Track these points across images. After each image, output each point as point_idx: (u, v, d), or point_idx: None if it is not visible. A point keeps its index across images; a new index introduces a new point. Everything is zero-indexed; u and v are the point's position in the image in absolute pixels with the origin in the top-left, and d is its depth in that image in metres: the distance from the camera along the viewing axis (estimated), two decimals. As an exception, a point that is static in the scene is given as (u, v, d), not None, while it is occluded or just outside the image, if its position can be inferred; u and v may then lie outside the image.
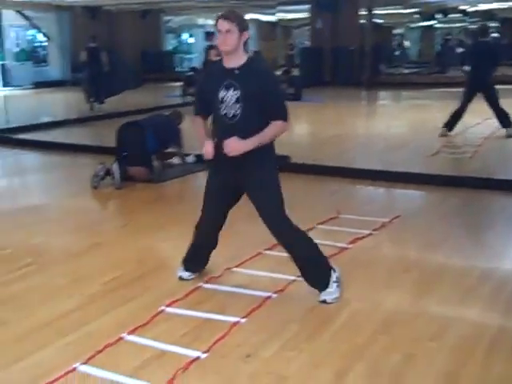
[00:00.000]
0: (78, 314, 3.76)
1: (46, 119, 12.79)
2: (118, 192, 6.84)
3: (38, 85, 20.78)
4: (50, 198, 6.94)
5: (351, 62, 20.05)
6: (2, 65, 21.04)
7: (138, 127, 7.42)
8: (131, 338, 3.44)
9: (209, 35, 12.58)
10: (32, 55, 23.50)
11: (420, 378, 3.04)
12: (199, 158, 8.13)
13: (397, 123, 12.28)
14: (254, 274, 4.34)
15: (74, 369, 3.11)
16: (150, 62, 23.48)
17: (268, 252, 4.76)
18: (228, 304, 3.88)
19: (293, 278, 4.20)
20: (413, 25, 30.50)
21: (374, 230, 5.28)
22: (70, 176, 7.99)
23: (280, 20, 28.67)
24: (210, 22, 26.51)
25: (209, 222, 4.08)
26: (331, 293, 3.88)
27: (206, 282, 4.19)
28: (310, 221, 5.44)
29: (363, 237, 5.10)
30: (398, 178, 7.11)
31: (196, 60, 26.63)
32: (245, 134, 3.62)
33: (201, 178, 7.81)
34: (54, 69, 22.59)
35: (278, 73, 16.59)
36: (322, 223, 5.47)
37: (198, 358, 3.21)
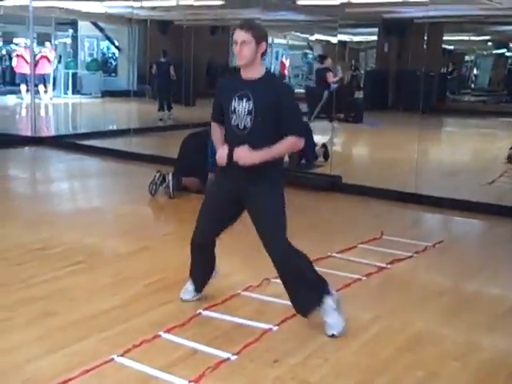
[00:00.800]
0: (120, 311, 3.97)
1: (110, 127, 13.27)
2: (171, 201, 7.08)
3: (106, 94, 21.45)
4: (107, 202, 7.25)
5: (416, 86, 19.94)
6: (74, 74, 21.80)
7: (201, 138, 7.64)
8: (167, 336, 3.63)
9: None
10: (103, 66, 24.28)
11: (439, 396, 3.12)
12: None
13: (456, 150, 12.26)
14: (291, 286, 4.47)
15: (112, 359, 3.31)
16: (216, 76, 23.95)
17: (307, 266, 4.89)
18: (262, 312, 4.03)
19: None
20: (484, 52, 30.16)
21: (416, 252, 5.35)
22: (129, 183, 8.29)
23: (347, 42, 28.78)
24: (277, 41, 26.89)
25: (201, 233, 3.90)
26: (336, 324, 3.70)
27: (244, 290, 4.35)
28: (353, 240, 5.57)
29: (403, 258, 5.18)
30: (446, 204, 7.13)
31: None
32: (255, 147, 3.54)
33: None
34: (122, 79, 23.26)
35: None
36: (364, 243, 5.57)
37: (227, 359, 3.36)
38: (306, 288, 3.70)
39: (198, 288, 4.16)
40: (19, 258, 4.87)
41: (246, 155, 3.54)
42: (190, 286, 4.16)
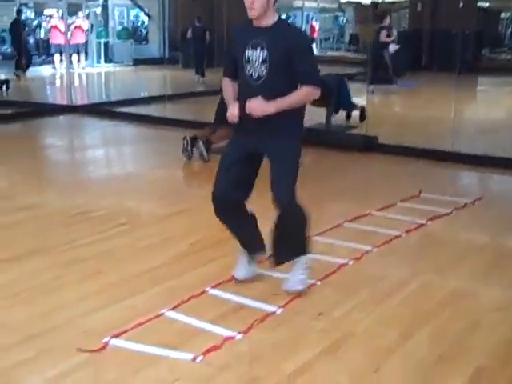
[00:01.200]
0: (166, 269, 4.09)
1: (144, 94, 13.38)
2: (206, 164, 7.15)
3: (138, 62, 21.52)
4: (143, 167, 7.37)
5: (451, 46, 19.61)
6: (106, 43, 21.90)
7: None
8: (214, 291, 3.74)
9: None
10: (133, 34, 24.32)
11: (482, 344, 3.18)
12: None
13: (493, 109, 12.11)
14: (333, 243, 4.55)
15: (162, 314, 3.43)
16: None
17: (349, 224, 4.96)
18: (306, 268, 4.10)
19: (370, 248, 4.40)
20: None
21: (455, 209, 5.37)
22: (164, 148, 8.37)
23: (378, 3, 28.33)
24: (308, 4, 26.59)
25: (221, 190, 3.65)
26: (303, 281, 3.70)
27: (287, 248, 4.42)
28: (392, 198, 5.61)
29: (443, 215, 5.21)
30: (484, 162, 7.09)
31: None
32: (269, 98, 3.40)
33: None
34: (153, 47, 23.29)
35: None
36: (403, 201, 5.60)
37: (273, 313, 3.46)
38: (292, 242, 3.69)
39: (252, 250, 3.90)
40: (64, 222, 5.02)
41: (259, 106, 3.41)
42: (240, 261, 3.91)
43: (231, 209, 3.73)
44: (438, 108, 11.70)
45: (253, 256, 3.89)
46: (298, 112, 3.57)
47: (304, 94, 3.49)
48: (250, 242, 3.88)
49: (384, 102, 13.69)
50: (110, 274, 3.97)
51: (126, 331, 3.22)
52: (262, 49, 3.43)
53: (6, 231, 4.79)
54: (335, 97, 8.92)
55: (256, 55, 3.44)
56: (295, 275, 3.70)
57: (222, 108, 7.75)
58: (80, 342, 3.10)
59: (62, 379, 2.81)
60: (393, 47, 13.39)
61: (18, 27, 16.21)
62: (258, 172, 3.72)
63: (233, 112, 3.55)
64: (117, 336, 3.17)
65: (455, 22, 19.45)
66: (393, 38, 13.45)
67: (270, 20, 3.48)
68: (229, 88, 3.68)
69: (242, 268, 3.87)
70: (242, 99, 3.53)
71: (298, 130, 3.65)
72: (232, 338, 3.18)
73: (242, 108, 3.49)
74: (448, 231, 4.96)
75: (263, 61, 3.43)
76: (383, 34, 12.86)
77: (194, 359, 2.98)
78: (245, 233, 3.88)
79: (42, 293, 3.67)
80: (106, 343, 3.10)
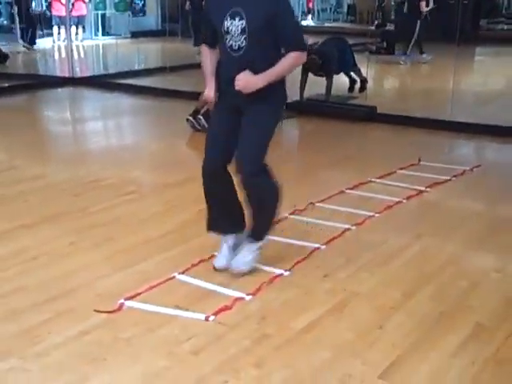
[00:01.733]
0: (175, 235, 4.22)
1: (145, 66, 13.40)
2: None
3: (135, 34, 21.43)
4: (148, 138, 7.47)
5: (449, 15, 19.58)
6: (103, 15, 21.78)
7: None
8: (223, 255, 3.87)
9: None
10: (131, 5, 24.17)
11: (481, 302, 3.33)
12: (288, 105, 8.46)
13: (491, 79, 12.21)
14: (335, 209, 4.68)
15: (174, 277, 3.57)
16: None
17: (350, 191, 5.10)
18: (310, 233, 4.24)
19: (371, 213, 4.54)
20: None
21: (454, 176, 5.50)
22: (168, 118, 8.46)
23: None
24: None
25: (212, 160, 3.55)
26: (248, 263, 3.61)
27: (291, 214, 4.56)
28: (392, 166, 5.73)
29: (442, 182, 5.34)
30: (482, 131, 7.21)
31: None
32: (252, 69, 3.27)
33: (290, 124, 8.17)
34: (151, 19, 23.19)
35: (372, 27, 16.55)
36: (402, 168, 5.72)
37: (281, 275, 3.60)
38: (255, 219, 3.58)
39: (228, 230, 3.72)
40: (75, 190, 5.14)
41: (249, 82, 3.27)
42: (221, 249, 3.72)
43: (220, 180, 3.57)
44: (437, 78, 11.77)
45: (230, 235, 3.70)
46: (280, 80, 3.42)
47: (291, 61, 3.35)
48: (229, 219, 3.70)
49: (384, 73, 13.74)
50: (120, 240, 4.10)
51: (138, 294, 3.35)
52: (240, 18, 3.26)
53: (17, 201, 4.90)
54: (335, 63, 8.98)
55: (235, 25, 3.27)
56: (242, 255, 3.61)
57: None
58: (96, 304, 3.23)
59: (81, 337, 2.95)
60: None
61: None
62: None
63: (209, 94, 3.49)
64: (130, 298, 3.30)
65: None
66: (430, 8, 13.61)
67: None
68: (207, 58, 3.56)
69: (222, 257, 3.69)
70: (223, 70, 3.43)
71: (278, 95, 3.49)
72: (242, 298, 3.32)
73: (226, 80, 3.37)
74: (447, 197, 5.09)
75: (242, 31, 3.26)
76: (423, 4, 13.00)
77: (207, 318, 3.12)
78: (227, 209, 3.68)
79: (57, 258, 3.81)
80: (122, 304, 3.24)
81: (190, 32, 15.52)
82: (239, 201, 3.63)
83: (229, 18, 3.29)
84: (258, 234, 3.63)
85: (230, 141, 3.46)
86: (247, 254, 3.62)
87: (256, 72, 3.27)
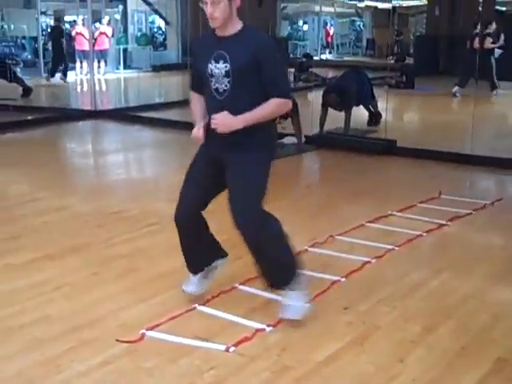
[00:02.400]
0: (197, 267, 4.25)
1: (166, 99, 13.58)
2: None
3: (156, 68, 21.75)
4: (169, 170, 7.55)
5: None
6: (125, 49, 22.16)
7: None
8: (243, 287, 3.90)
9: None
10: (151, 40, 24.58)
11: (502, 337, 3.32)
12: (308, 138, 8.55)
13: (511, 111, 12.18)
14: (355, 242, 4.69)
15: (194, 308, 3.60)
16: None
17: (370, 224, 5.11)
18: (329, 265, 4.26)
19: (391, 247, 4.55)
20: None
21: (474, 210, 5.50)
22: (187, 151, 8.49)
23: (396, 7, 28.43)
24: (325, 9, 26.74)
25: (186, 205, 3.52)
26: (300, 308, 3.43)
27: (311, 246, 4.59)
28: (412, 199, 5.74)
29: (463, 216, 5.34)
30: (503, 165, 7.21)
31: (309, 47, 26.93)
32: (236, 113, 3.22)
33: (310, 158, 8.25)
34: (172, 53, 23.54)
35: (391, 61, 16.69)
36: (423, 202, 5.73)
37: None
38: (278, 267, 3.46)
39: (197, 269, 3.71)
40: (97, 221, 5.21)
41: (225, 122, 3.22)
42: (191, 277, 3.73)
43: (194, 227, 3.58)
44: (456, 112, 11.81)
45: (202, 272, 3.70)
46: (265, 123, 3.32)
47: (273, 106, 3.25)
48: (205, 258, 3.72)
49: (403, 107, 13.81)
50: (143, 271, 4.15)
51: (160, 324, 3.39)
52: (224, 61, 3.22)
53: (41, 231, 4.98)
54: (354, 98, 9.08)
55: (219, 68, 3.24)
56: (293, 301, 3.44)
57: None
58: (118, 334, 3.27)
59: (103, 367, 2.98)
60: (497, 52, 13.79)
61: (58, 33, 16.78)
62: (221, 188, 3.51)
63: (196, 134, 3.40)
64: (152, 328, 3.34)
65: (472, 26, 19.55)
66: (499, 44, 13.84)
67: (233, 29, 3.27)
68: (196, 104, 3.51)
69: (192, 284, 3.69)
70: (209, 114, 3.35)
71: (264, 141, 3.40)
72: (262, 330, 3.34)
73: (208, 123, 3.32)
74: (468, 231, 5.09)
75: (226, 74, 3.22)
76: (488, 40, 13.24)
77: (227, 349, 3.14)
78: (199, 251, 3.69)
79: (80, 288, 3.86)
80: (143, 334, 3.27)
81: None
82: (212, 237, 3.74)
83: (213, 61, 3.25)
84: (283, 281, 3.46)
85: (205, 191, 3.50)
86: (296, 297, 3.44)
87: (236, 115, 3.21)
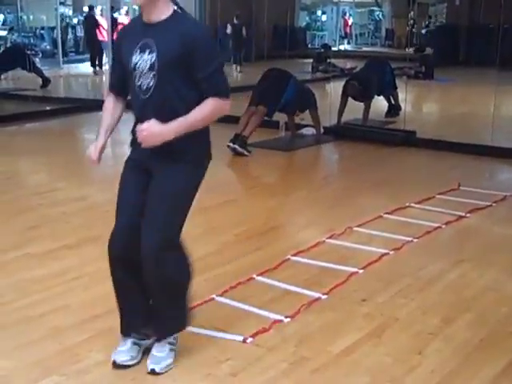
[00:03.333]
0: (214, 258, 4.25)
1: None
2: (250, 158, 7.31)
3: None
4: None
5: (489, 40, 19.50)
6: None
7: (286, 72, 7.96)
8: (261, 278, 3.89)
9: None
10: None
11: (524, 329, 3.30)
12: (327, 129, 8.52)
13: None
14: (373, 234, 4.67)
15: (212, 299, 3.60)
16: (283, 38, 23.94)
17: (388, 216, 5.08)
18: (348, 257, 4.25)
19: (410, 238, 4.52)
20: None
21: (494, 202, 5.45)
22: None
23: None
24: (344, -1, 26.58)
25: (122, 229, 2.90)
26: (164, 358, 2.88)
27: (329, 238, 4.57)
28: (431, 191, 5.70)
29: (482, 207, 5.29)
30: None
31: (328, 37, 26.79)
32: (161, 116, 2.62)
33: (328, 149, 8.21)
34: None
35: (410, 52, 16.58)
36: (442, 193, 5.69)
37: (319, 299, 3.61)
38: (164, 311, 2.90)
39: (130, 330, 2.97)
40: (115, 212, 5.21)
41: (153, 133, 2.61)
42: (122, 341, 2.96)
43: (132, 261, 2.80)
44: (476, 103, 11.70)
45: (134, 334, 2.97)
46: (201, 129, 2.76)
47: (209, 108, 2.68)
48: (137, 313, 2.97)
49: (422, 98, 13.72)
50: (160, 261, 4.16)
51: (178, 314, 3.40)
52: (150, 52, 2.65)
53: (60, 221, 5.01)
54: (375, 89, 9.04)
55: (144, 60, 2.66)
56: (164, 354, 2.89)
57: (262, 86, 7.89)
58: (136, 324, 3.28)
59: (122, 357, 2.99)
60: None
61: (91, 23, 16.81)
62: None
63: (91, 155, 2.87)
64: (170, 319, 3.34)
65: (494, 16, 19.33)
66: None
67: (161, 13, 2.67)
68: (106, 108, 2.91)
69: (126, 351, 2.93)
70: (134, 116, 2.82)
71: (196, 150, 2.85)
72: (280, 321, 3.33)
73: (135, 128, 2.74)
74: (487, 223, 5.05)
75: (151, 67, 2.65)
76: None
77: (245, 340, 3.14)
78: (136, 299, 2.94)
79: (98, 278, 3.86)
80: (161, 325, 3.27)
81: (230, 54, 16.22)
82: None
83: (138, 51, 2.68)
84: (165, 328, 2.91)
85: (141, 206, 2.81)
86: (161, 356, 2.89)
87: (166, 120, 2.62)
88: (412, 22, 26.05)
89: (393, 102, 9.84)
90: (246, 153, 7.29)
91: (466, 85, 14.95)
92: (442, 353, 3.06)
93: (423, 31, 25.01)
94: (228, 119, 9.67)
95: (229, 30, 16.97)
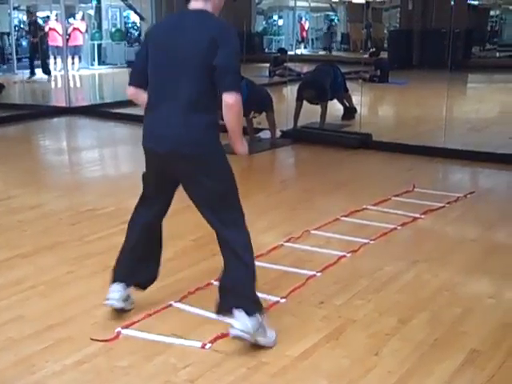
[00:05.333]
0: (173, 263, 4.23)
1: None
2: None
3: (131, 63, 21.57)
4: (143, 167, 7.46)
5: (441, 44, 19.87)
6: (99, 45, 21.98)
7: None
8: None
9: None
10: (126, 35, 24.42)
11: (475, 329, 3.36)
12: (284, 133, 8.57)
13: (484, 106, 12.33)
14: (330, 236, 4.72)
15: (170, 305, 3.59)
16: (240, 42, 23.95)
17: (345, 218, 5.14)
18: (305, 260, 4.28)
19: (366, 240, 4.58)
20: (510, 7, 29.63)
21: (448, 203, 5.55)
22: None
23: (370, 2, 28.53)
24: (300, 3, 26.74)
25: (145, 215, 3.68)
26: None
27: (286, 242, 4.60)
28: (386, 193, 5.78)
29: (436, 209, 5.39)
30: (476, 158, 7.29)
31: (285, 41, 26.94)
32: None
33: (286, 152, 8.26)
34: (147, 48, 23.39)
35: (365, 55, 16.78)
36: (397, 195, 5.77)
37: (277, 302, 3.63)
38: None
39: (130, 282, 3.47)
40: (72, 219, 5.18)
41: None
42: (115, 287, 3.43)
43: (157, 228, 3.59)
44: (429, 105, 11.90)
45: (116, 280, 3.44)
46: None
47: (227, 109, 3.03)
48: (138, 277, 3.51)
49: (378, 101, 13.90)
50: (118, 269, 4.13)
51: (136, 322, 3.38)
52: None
53: (16, 230, 4.94)
54: (329, 91, 9.13)
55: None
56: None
57: None
58: (93, 333, 3.26)
59: (79, 366, 2.97)
60: None
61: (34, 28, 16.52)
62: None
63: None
64: (128, 326, 3.33)
65: (446, 20, 19.71)
66: None
67: None
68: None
69: (117, 296, 3.42)
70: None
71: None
72: (238, 326, 3.33)
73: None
74: (441, 224, 5.14)
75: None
76: None
77: (203, 346, 3.14)
78: (144, 266, 3.50)
79: (55, 286, 3.84)
80: (119, 333, 3.26)
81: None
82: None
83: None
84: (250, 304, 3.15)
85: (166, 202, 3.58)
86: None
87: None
88: (367, 26, 26.45)
89: (347, 104, 9.95)
90: None
91: (420, 88, 15.22)
92: (399, 353, 3.10)
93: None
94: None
95: None
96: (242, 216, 3.26)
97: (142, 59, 3.16)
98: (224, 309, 3.16)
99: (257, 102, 7.90)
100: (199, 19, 3.05)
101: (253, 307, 3.09)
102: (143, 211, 3.57)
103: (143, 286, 3.53)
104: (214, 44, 2.94)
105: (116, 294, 3.39)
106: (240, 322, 3.01)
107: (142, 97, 3.22)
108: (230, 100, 2.94)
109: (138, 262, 3.45)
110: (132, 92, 3.26)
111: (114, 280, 3.43)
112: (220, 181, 3.19)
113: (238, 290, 3.13)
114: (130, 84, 3.25)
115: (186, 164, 3.11)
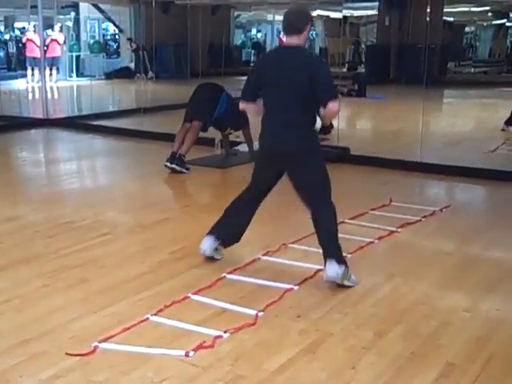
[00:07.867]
0: (150, 277, 4.23)
1: (115, 107, 13.47)
2: (186, 175, 7.30)
3: (109, 75, 21.53)
4: (122, 179, 7.49)
5: (418, 59, 20.10)
6: (77, 56, 21.90)
7: (218, 86, 7.93)
8: (196, 297, 3.89)
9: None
10: (105, 47, 24.37)
11: (451, 342, 3.39)
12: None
13: (459, 121, 12.49)
14: (308, 250, 4.72)
15: (147, 318, 3.57)
16: (219, 55, 24.06)
17: (322, 232, 5.14)
18: (283, 274, 4.29)
19: (343, 254, 4.58)
20: (484, 23, 30.12)
21: (424, 217, 5.60)
22: (141, 160, 8.49)
23: (347, 17, 28.78)
24: (279, 18, 26.88)
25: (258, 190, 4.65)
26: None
27: (264, 255, 4.61)
28: (364, 207, 5.82)
29: (413, 222, 5.43)
30: (451, 172, 7.37)
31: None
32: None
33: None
34: (125, 60, 23.37)
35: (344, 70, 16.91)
36: (374, 209, 5.82)
37: (255, 316, 3.62)
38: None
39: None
40: (49, 232, 5.13)
41: None
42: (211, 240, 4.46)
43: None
44: (406, 120, 12.03)
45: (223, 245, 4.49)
46: None
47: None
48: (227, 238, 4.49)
49: (355, 115, 14.01)
50: (95, 282, 4.10)
51: (113, 336, 3.35)
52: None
53: (-10, 242, 4.89)
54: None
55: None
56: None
57: (196, 103, 7.87)
58: (69, 347, 3.23)
59: (54, 381, 2.94)
60: None
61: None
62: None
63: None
64: (105, 340, 3.30)
65: (422, 36, 19.96)
66: None
67: None
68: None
69: (208, 246, 4.44)
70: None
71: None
72: (216, 339, 3.33)
73: None
74: (418, 238, 5.19)
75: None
76: None
77: (180, 360, 3.13)
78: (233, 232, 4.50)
79: (30, 300, 3.80)
80: (96, 347, 3.24)
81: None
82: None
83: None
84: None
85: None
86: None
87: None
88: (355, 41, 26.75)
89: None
90: (184, 171, 7.29)
91: (397, 102, 15.39)
92: (375, 366, 3.12)
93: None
94: (159, 137, 9.71)
95: None
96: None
97: (252, 82, 4.31)
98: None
99: (233, 118, 7.80)
100: (297, 57, 4.06)
101: (342, 258, 4.05)
102: (248, 195, 4.61)
103: (227, 244, 4.51)
104: (310, 77, 3.97)
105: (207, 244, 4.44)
106: (332, 269, 3.95)
107: (250, 107, 4.35)
108: (335, 108, 4.02)
109: (233, 225, 4.49)
110: (243, 105, 4.34)
111: (210, 233, 4.47)
112: (315, 170, 4.43)
113: (330, 246, 4.13)
114: (243, 99, 4.32)
115: (293, 157, 4.25)
